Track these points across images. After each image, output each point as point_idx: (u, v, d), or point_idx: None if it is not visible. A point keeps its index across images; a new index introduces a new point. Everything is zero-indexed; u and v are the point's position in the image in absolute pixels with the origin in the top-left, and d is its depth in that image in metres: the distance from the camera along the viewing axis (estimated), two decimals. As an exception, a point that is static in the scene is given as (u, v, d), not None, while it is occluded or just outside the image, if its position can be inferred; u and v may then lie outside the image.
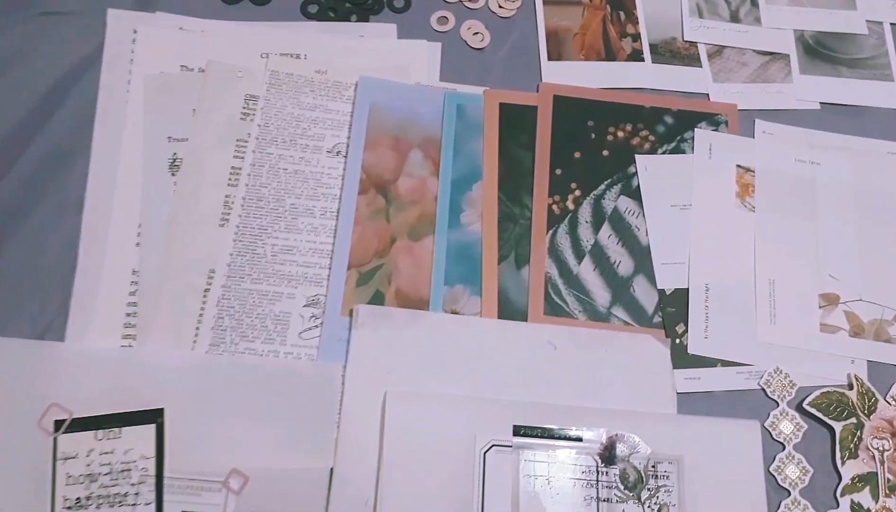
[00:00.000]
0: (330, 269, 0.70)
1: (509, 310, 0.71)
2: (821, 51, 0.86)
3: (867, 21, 0.87)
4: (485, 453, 0.63)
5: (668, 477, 0.64)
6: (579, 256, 0.73)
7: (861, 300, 0.73)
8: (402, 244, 0.72)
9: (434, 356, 0.67)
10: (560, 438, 0.64)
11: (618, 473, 0.63)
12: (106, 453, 0.60)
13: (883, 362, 0.71)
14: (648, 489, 0.63)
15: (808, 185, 0.78)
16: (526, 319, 0.70)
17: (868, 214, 0.77)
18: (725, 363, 0.70)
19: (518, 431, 0.64)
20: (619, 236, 0.74)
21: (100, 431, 0.60)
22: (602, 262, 0.73)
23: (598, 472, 0.63)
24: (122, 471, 0.60)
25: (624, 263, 0.73)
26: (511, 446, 0.63)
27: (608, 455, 0.64)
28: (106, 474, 0.60)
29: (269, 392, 0.64)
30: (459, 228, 0.73)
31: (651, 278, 0.73)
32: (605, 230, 0.75)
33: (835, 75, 0.84)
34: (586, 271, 0.73)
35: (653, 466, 0.64)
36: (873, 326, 0.72)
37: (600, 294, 0.72)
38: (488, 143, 0.77)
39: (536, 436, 0.64)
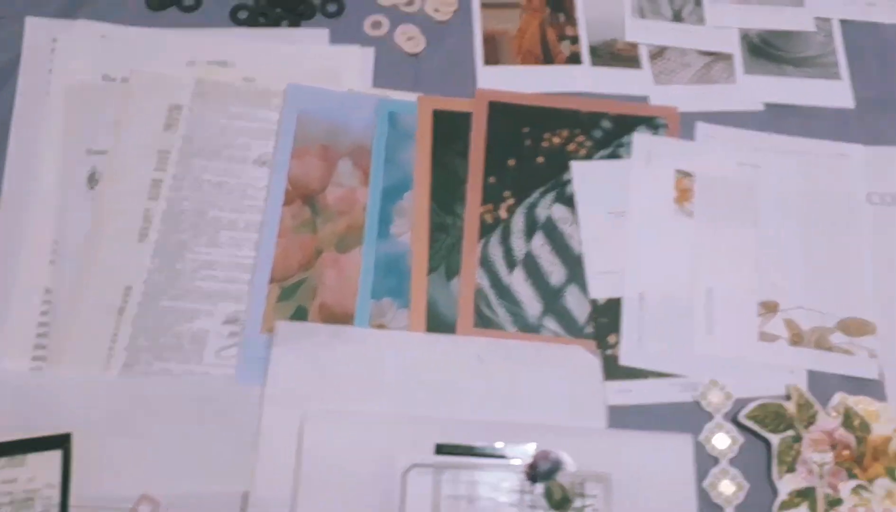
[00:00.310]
0: (251, 284, 0.68)
1: (438, 323, 0.69)
2: (766, 50, 0.83)
3: (815, 18, 0.85)
4: (405, 475, 0.61)
5: (595, 495, 0.61)
6: (511, 266, 0.71)
7: (802, 307, 0.71)
8: (329, 256, 0.70)
9: (358, 373, 0.65)
10: (484, 456, 0.62)
11: (543, 491, 0.61)
12: (8, 482, 0.58)
13: (824, 372, 0.69)
14: (574, 508, 0.61)
15: (750, 190, 0.76)
16: (455, 332, 0.69)
17: (813, 219, 0.75)
18: (659, 375, 0.68)
19: (441, 450, 0.62)
20: (553, 245, 0.72)
21: (2, 458, 0.58)
22: (534, 271, 0.71)
23: (522, 491, 0.61)
24: (25, 500, 0.58)
25: (556, 273, 0.71)
26: (433, 467, 0.61)
27: (533, 473, 0.61)
28: (7, 504, 0.57)
29: (183, 414, 0.62)
30: (389, 240, 0.71)
31: (584, 288, 0.71)
32: (538, 239, 0.73)
33: (780, 75, 0.82)
34: (518, 282, 0.71)
35: (580, 484, 0.62)
36: (814, 334, 0.70)
37: (531, 305, 0.70)
38: (421, 151, 0.75)
39: (460, 454, 0.62)
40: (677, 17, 0.84)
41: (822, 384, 0.69)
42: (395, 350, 0.66)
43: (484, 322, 0.69)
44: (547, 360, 0.67)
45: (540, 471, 0.61)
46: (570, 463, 0.62)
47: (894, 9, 0.85)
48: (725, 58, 0.83)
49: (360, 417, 0.63)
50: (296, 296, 0.68)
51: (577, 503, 0.61)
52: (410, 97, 0.77)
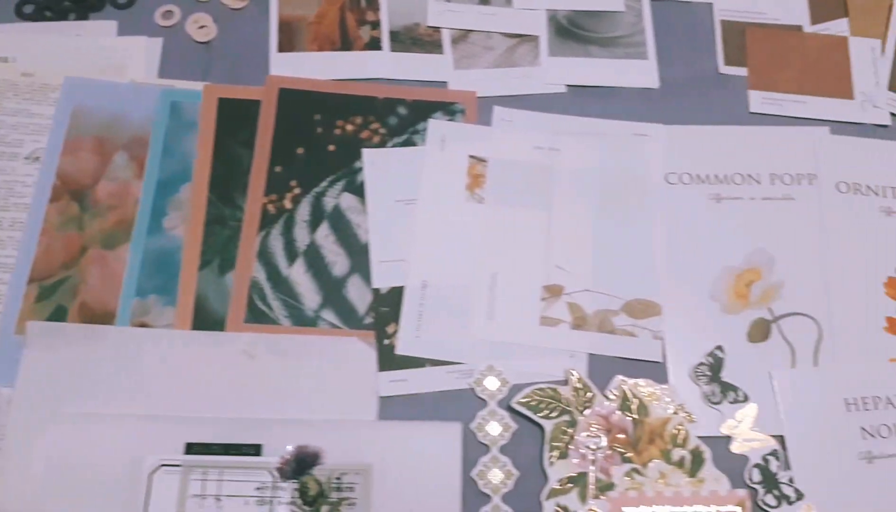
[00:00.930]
0: (9, 284, 0.66)
1: (208, 320, 0.67)
2: (573, 31, 0.82)
3: (625, -3, 0.84)
4: (151, 475, 0.59)
5: (353, 489, 0.60)
6: (291, 258, 0.70)
7: (587, 291, 0.70)
8: (94, 254, 0.67)
9: (113, 374, 0.63)
10: (237, 453, 0.60)
11: (297, 487, 0.60)
12: None
13: (606, 355, 0.68)
14: (330, 503, 0.60)
15: (544, 174, 0.75)
16: (225, 329, 0.67)
17: (608, 201, 0.74)
18: (435, 363, 0.67)
19: (191, 449, 0.60)
20: (338, 235, 0.71)
21: None
22: (316, 262, 0.70)
23: (275, 488, 0.60)
24: None
25: (340, 263, 0.70)
26: (181, 466, 0.59)
27: (287, 469, 0.60)
28: None
29: (-78, 422, 0.60)
30: (161, 234, 0.69)
31: (368, 278, 0.69)
32: (323, 229, 0.71)
33: (585, 56, 0.81)
34: (297, 274, 0.69)
35: (337, 478, 0.60)
36: (598, 317, 0.69)
37: (310, 297, 0.68)
38: (202, 141, 0.73)
39: (213, 454, 0.60)
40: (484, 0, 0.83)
41: (607, 368, 0.68)
42: (153, 349, 0.64)
43: (257, 317, 0.67)
44: (319, 353, 0.66)
45: (292, 467, 0.60)
46: (327, 457, 0.61)
47: (704, -14, 0.85)
48: (531, 40, 0.81)
49: (108, 418, 0.61)
50: (55, 295, 0.65)
51: (333, 497, 0.60)
52: (198, 87, 0.75)
